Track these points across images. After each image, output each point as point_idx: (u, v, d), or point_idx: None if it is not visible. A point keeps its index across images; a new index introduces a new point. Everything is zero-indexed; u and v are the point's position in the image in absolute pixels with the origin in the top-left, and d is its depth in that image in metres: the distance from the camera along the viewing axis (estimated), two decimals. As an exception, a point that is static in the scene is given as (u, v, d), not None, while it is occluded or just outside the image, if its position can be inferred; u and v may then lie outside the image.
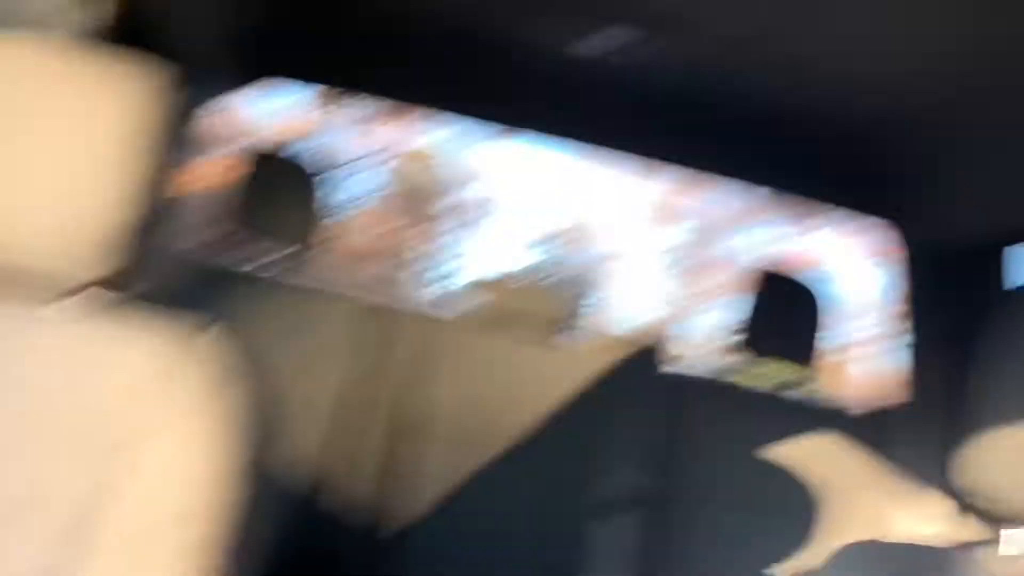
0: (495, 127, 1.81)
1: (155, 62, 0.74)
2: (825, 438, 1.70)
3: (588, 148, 1.80)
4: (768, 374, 1.87)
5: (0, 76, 0.68)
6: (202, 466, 0.66)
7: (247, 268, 1.75)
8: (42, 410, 0.66)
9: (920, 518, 1.62)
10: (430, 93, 1.73)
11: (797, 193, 1.86)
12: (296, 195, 1.77)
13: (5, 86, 0.68)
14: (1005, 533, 0.75)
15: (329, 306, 1.75)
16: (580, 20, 1.33)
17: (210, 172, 1.90)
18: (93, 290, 0.72)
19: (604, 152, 1.81)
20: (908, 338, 1.78)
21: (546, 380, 1.74)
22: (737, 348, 1.79)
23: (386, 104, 1.91)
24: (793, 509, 1.66)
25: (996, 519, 0.76)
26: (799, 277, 1.80)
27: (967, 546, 0.79)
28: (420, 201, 8.95)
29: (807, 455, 1.68)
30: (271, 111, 6.15)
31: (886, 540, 0.89)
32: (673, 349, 1.92)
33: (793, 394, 1.83)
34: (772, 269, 1.81)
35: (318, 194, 1.80)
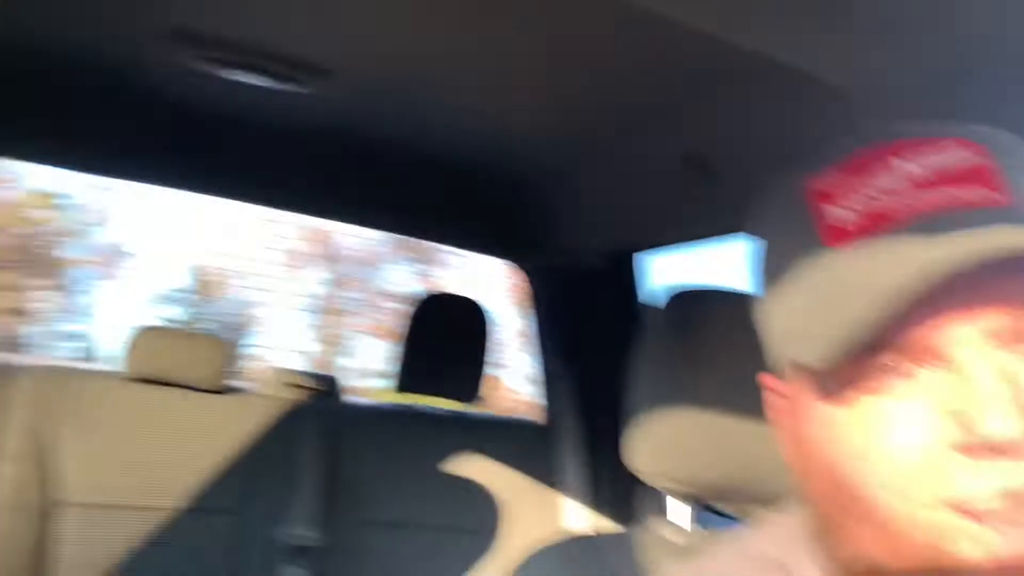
0: (123, 174, 1.68)
1: None
2: (492, 452, 1.80)
3: (221, 196, 1.75)
4: (431, 402, 1.95)
5: None
6: None
7: None
8: None
9: (583, 513, 1.79)
10: (54, 144, 1.56)
11: (426, 237, 1.97)
12: None
13: None
14: (669, 510, 0.86)
15: None
16: (208, 66, 1.29)
17: None
18: None
19: (238, 199, 1.77)
20: (548, 356, 1.97)
21: (212, 428, 1.65)
22: (397, 388, 1.81)
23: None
24: (471, 524, 1.74)
25: (661, 499, 0.87)
26: (447, 312, 1.85)
27: (632, 530, 0.89)
28: (42, 250, 7.97)
29: (478, 470, 1.77)
30: None
31: (561, 538, 0.96)
32: (333, 386, 1.90)
33: (458, 413, 1.91)
34: (420, 306, 1.83)
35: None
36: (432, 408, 1.91)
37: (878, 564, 0.48)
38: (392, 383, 1.79)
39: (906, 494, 0.46)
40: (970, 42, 0.81)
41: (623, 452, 0.85)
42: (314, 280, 10.35)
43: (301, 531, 1.60)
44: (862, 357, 0.46)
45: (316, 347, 9.95)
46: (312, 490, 1.64)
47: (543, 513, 1.79)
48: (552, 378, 1.96)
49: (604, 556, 0.86)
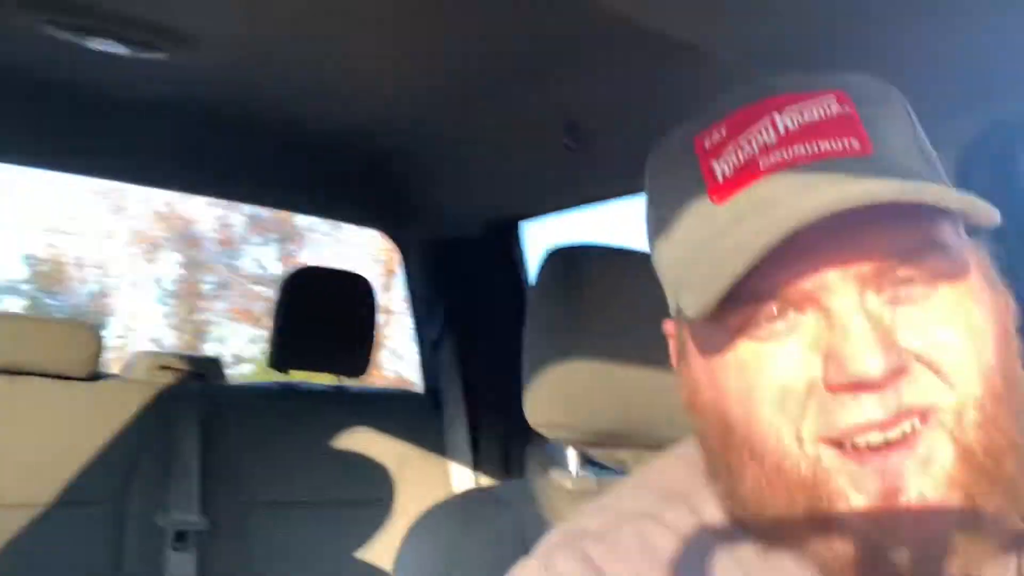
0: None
1: None
2: (375, 424, 1.79)
3: (77, 172, 1.65)
4: (309, 378, 1.92)
5: None
6: None
7: None
8: None
9: (469, 477, 1.82)
10: None
11: (300, 210, 1.92)
12: None
13: None
14: (569, 455, 0.89)
15: None
16: (58, 32, 1.20)
17: None
18: None
19: (96, 175, 1.67)
20: (426, 326, 1.98)
21: (84, 417, 1.58)
22: (274, 366, 1.77)
23: None
24: (358, 497, 1.73)
25: (547, 456, 0.90)
26: (325, 286, 1.81)
27: (530, 480, 0.92)
28: None
29: (362, 443, 1.76)
30: None
31: (460, 492, 0.98)
32: (211, 368, 1.84)
33: (339, 388, 1.90)
34: (292, 281, 1.78)
35: None
36: (313, 385, 1.89)
37: (764, 499, 0.51)
38: (269, 360, 1.75)
39: (783, 432, 0.49)
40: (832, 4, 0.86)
41: (510, 413, 0.87)
42: (170, 265, 9.90)
43: (183, 516, 1.55)
44: (742, 305, 0.49)
45: (176, 335, 9.54)
46: (193, 474, 1.59)
47: (430, 481, 1.80)
48: (431, 348, 1.97)
49: (503, 506, 0.88)
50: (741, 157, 0.52)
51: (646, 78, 1.18)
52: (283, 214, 9.43)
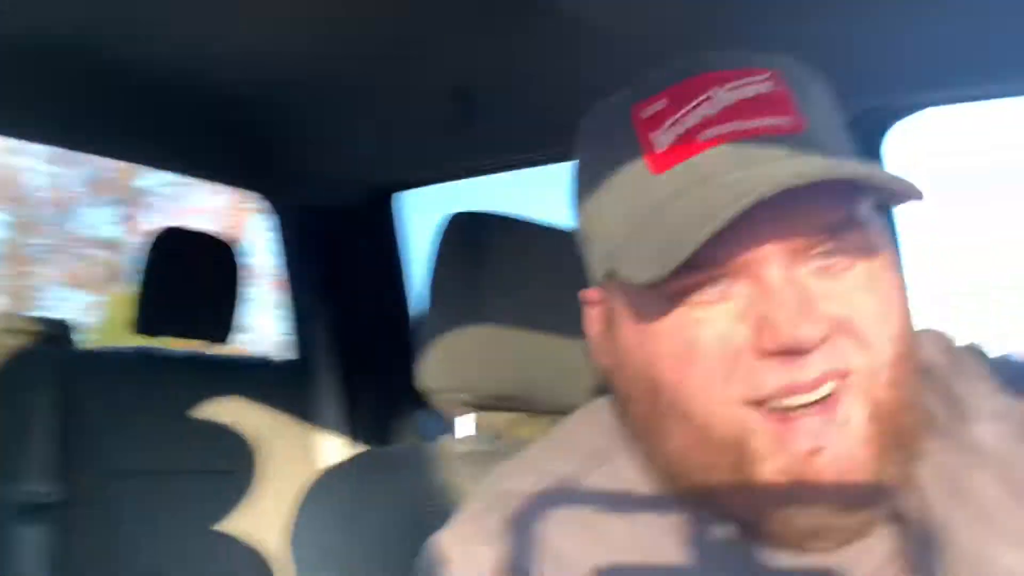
0: None
1: None
2: (243, 391, 1.74)
3: None
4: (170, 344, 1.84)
5: None
6: None
7: None
8: None
9: (342, 445, 1.80)
10: None
11: (168, 168, 1.83)
12: None
13: None
14: (458, 421, 0.90)
15: None
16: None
17: None
18: None
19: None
20: (298, 293, 1.93)
21: None
22: (140, 331, 1.68)
23: None
24: (225, 466, 1.68)
25: (451, 412, 0.91)
26: (189, 248, 1.73)
27: (426, 442, 0.93)
28: None
29: (228, 411, 1.71)
30: None
31: (354, 455, 0.98)
32: (65, 330, 1.72)
33: (205, 355, 1.83)
34: (157, 242, 1.67)
35: None
36: (177, 351, 1.81)
37: (689, 460, 0.54)
38: (136, 325, 1.66)
39: (711, 394, 0.52)
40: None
41: (388, 383, 0.87)
42: (-3, 223, 9.13)
43: (36, 487, 1.46)
44: (681, 273, 0.51)
45: (1, 300, 8.83)
46: (47, 443, 1.50)
47: (300, 449, 1.77)
48: (303, 315, 1.93)
49: (398, 468, 0.89)
50: (681, 129, 0.54)
51: (539, 51, 1.19)
52: (124, 175, 8.89)
